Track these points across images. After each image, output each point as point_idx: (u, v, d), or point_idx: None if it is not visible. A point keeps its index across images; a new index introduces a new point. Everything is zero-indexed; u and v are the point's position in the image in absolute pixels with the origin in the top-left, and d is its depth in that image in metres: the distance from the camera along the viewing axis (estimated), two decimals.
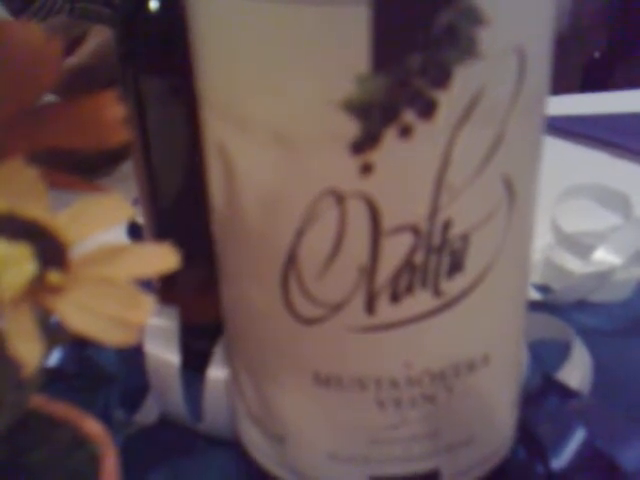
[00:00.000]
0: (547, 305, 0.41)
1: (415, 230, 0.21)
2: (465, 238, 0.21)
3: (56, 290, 0.16)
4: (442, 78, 0.19)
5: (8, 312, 0.16)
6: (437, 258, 0.21)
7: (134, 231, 0.41)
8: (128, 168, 0.38)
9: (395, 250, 0.21)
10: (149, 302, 0.17)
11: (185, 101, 0.30)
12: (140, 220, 0.37)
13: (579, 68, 1.34)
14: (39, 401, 0.23)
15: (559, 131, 0.61)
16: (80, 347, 0.35)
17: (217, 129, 0.22)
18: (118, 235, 0.40)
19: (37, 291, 0.16)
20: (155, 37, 0.31)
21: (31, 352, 0.16)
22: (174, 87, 0.30)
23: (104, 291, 0.17)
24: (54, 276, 0.16)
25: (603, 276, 0.40)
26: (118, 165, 0.54)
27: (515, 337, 0.25)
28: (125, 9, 0.31)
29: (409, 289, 0.21)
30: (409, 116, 0.19)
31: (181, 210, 0.34)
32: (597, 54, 1.41)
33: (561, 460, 0.29)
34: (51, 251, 0.16)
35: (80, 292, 0.16)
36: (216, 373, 0.31)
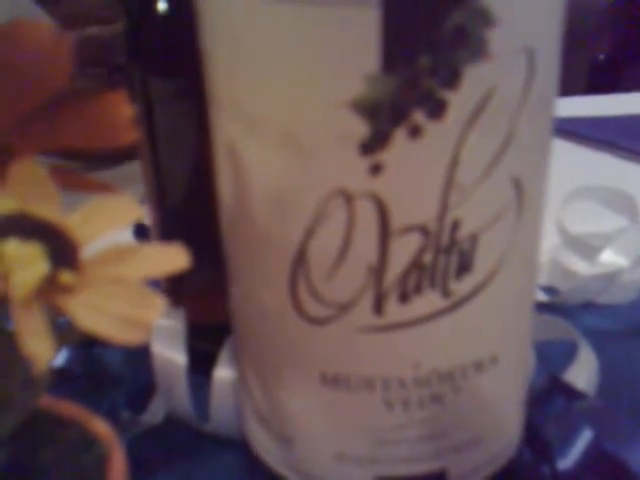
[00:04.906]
0: (554, 306, 0.40)
1: (424, 230, 0.21)
2: (474, 238, 0.21)
3: (67, 289, 0.16)
4: (452, 78, 0.19)
5: (19, 311, 0.16)
6: (446, 258, 0.21)
7: (140, 232, 0.41)
8: (134, 169, 0.38)
9: (404, 250, 0.21)
10: (159, 301, 0.17)
11: (193, 102, 0.30)
12: (146, 221, 0.37)
13: (584, 71, 1.34)
14: (47, 401, 0.23)
15: (565, 133, 0.61)
16: (87, 348, 0.36)
17: (227, 129, 0.22)
18: (125, 236, 0.40)
19: (48, 290, 0.16)
20: (163, 38, 0.31)
21: (42, 351, 0.16)
22: (182, 88, 0.30)
23: (114, 290, 0.17)
24: (65, 276, 0.16)
25: (610, 278, 0.40)
26: (123, 164, 0.54)
27: (523, 338, 0.25)
28: (133, 9, 0.31)
29: (418, 289, 0.21)
30: (419, 116, 0.19)
31: (188, 211, 0.34)
32: (602, 56, 1.41)
33: (567, 461, 0.29)
34: (62, 251, 0.17)
35: (91, 291, 0.16)
36: (223, 373, 0.31)
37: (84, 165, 0.51)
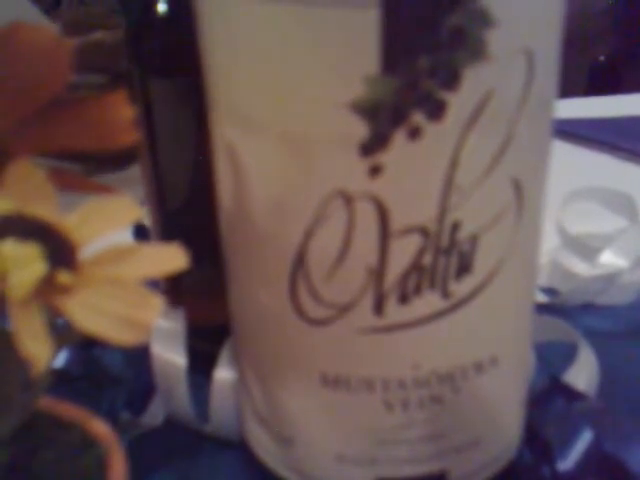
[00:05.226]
0: (554, 307, 0.40)
1: (424, 231, 0.21)
2: (474, 240, 0.21)
3: (65, 290, 0.16)
4: (451, 80, 0.19)
5: (17, 312, 0.16)
6: (445, 259, 0.21)
7: (140, 233, 0.41)
8: (134, 171, 0.38)
9: (404, 251, 0.21)
10: (158, 302, 0.17)
11: (193, 103, 0.30)
12: (146, 222, 0.37)
13: (584, 72, 1.34)
14: (47, 402, 0.23)
15: (565, 134, 0.61)
16: (86, 349, 0.35)
17: (226, 131, 0.22)
18: (124, 237, 0.40)
19: (46, 291, 0.16)
20: (163, 39, 0.31)
21: (41, 352, 0.16)
22: (182, 89, 0.30)
23: (113, 291, 0.17)
24: (63, 276, 0.16)
25: (609, 279, 0.40)
26: (125, 166, 0.54)
27: (523, 339, 0.25)
28: (133, 11, 0.31)
29: (417, 290, 0.21)
30: (418, 117, 0.19)
31: (188, 212, 0.34)
32: (602, 58, 1.41)
33: (568, 462, 0.29)
34: (61, 251, 0.16)
35: (89, 292, 0.16)
36: (222, 374, 0.31)
37: (89, 168, 0.51)
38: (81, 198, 0.18)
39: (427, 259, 0.21)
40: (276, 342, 0.24)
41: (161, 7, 0.30)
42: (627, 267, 0.40)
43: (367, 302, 0.22)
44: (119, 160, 0.54)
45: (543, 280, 0.43)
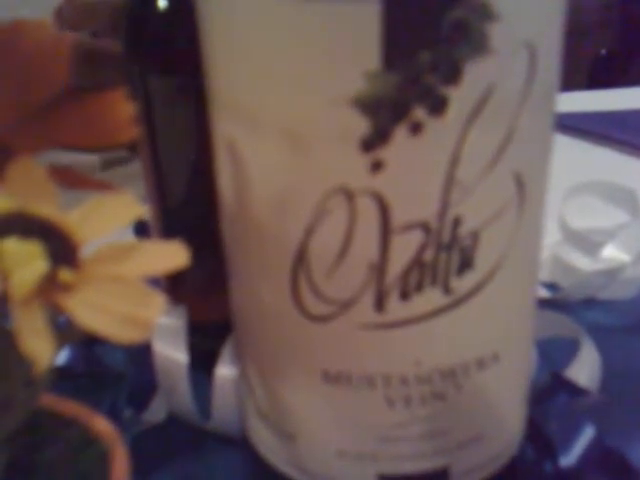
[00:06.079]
0: (555, 303, 0.40)
1: (425, 227, 0.21)
2: (475, 235, 0.21)
3: (67, 288, 0.16)
4: (453, 74, 0.19)
5: (19, 310, 0.16)
6: (447, 255, 0.21)
7: (141, 230, 0.41)
8: (135, 168, 0.38)
9: (405, 247, 0.21)
10: (160, 300, 0.17)
11: (193, 100, 0.30)
12: (147, 219, 0.37)
13: (585, 65, 1.34)
14: (49, 400, 0.23)
15: (566, 128, 0.61)
16: (88, 346, 0.35)
17: (227, 127, 0.22)
18: (125, 234, 0.40)
19: (48, 289, 0.16)
20: (163, 36, 0.31)
21: (42, 350, 0.16)
22: (182, 86, 0.30)
23: (115, 289, 0.17)
24: (65, 274, 0.16)
25: (611, 273, 0.40)
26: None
27: (525, 335, 0.25)
28: (133, 8, 0.31)
29: (419, 287, 0.21)
30: (419, 113, 0.19)
31: (189, 209, 0.34)
32: (603, 51, 1.41)
33: (570, 458, 0.29)
34: (62, 249, 0.16)
35: (91, 290, 0.16)
36: (224, 371, 0.31)
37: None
38: (83, 196, 0.18)
39: (428, 255, 0.21)
40: (277, 339, 0.24)
41: (161, 3, 0.30)
42: (629, 262, 0.40)
43: (368, 298, 0.22)
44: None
45: (545, 275, 0.43)
